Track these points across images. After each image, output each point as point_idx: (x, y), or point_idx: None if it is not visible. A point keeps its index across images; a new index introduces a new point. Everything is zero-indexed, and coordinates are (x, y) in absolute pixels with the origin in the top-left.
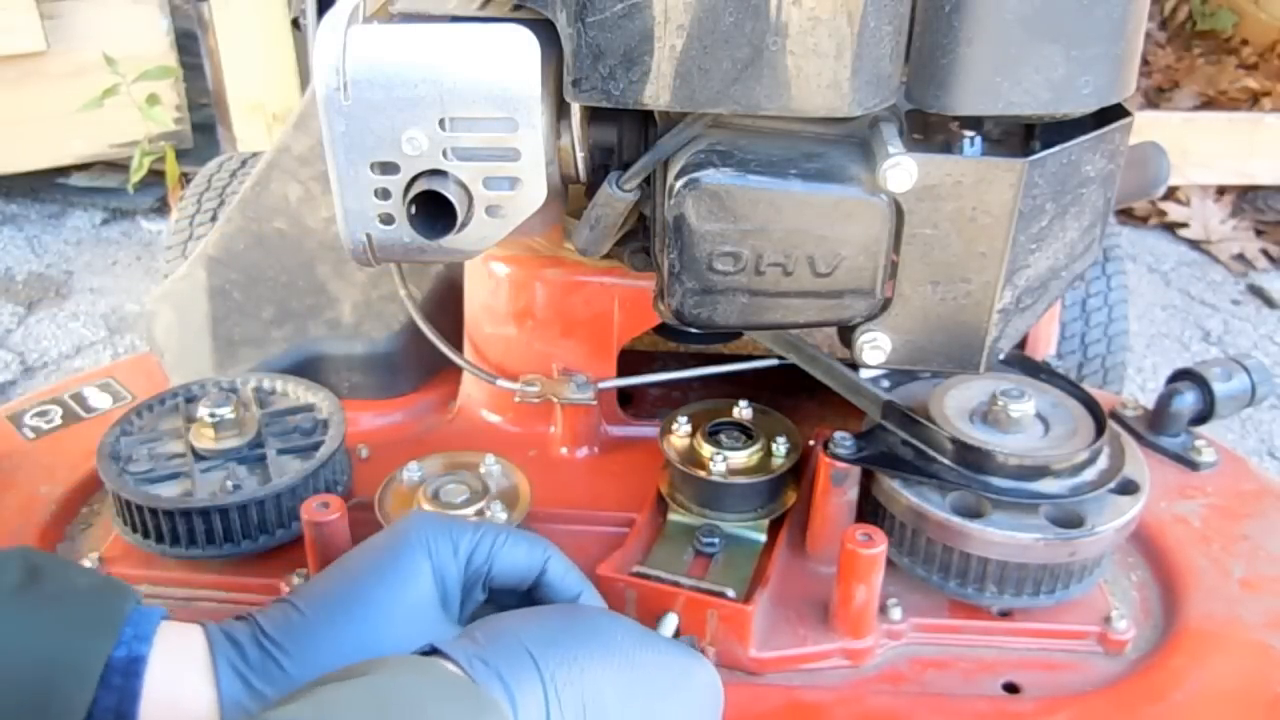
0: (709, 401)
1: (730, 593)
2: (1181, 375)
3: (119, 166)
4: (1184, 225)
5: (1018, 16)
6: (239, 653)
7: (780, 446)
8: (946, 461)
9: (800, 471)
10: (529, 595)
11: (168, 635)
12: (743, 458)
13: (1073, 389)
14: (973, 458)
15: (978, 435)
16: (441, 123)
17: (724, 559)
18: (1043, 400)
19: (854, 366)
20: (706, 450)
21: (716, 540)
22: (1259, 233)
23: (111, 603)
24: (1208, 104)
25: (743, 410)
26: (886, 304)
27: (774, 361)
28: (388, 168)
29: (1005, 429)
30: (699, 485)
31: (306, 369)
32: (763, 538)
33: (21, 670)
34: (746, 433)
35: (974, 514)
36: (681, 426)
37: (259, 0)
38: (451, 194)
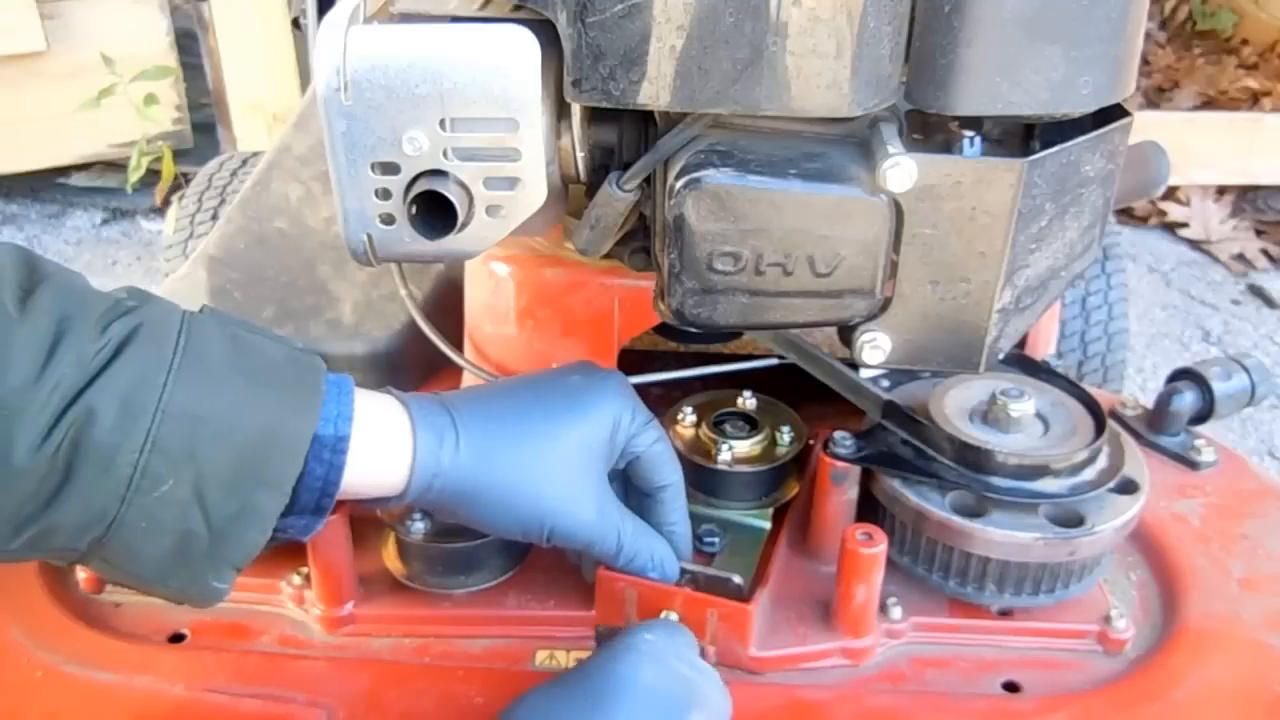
0: (714, 392)
1: (737, 579)
2: (1181, 374)
3: (119, 166)
4: (1184, 225)
5: (1017, 17)
6: (435, 434)
7: (784, 435)
8: (946, 461)
9: (803, 461)
10: (645, 497)
11: (369, 410)
12: (747, 446)
13: (1072, 388)
14: (972, 457)
15: (977, 435)
16: (442, 123)
17: (729, 547)
18: (1042, 400)
19: (854, 366)
20: (712, 439)
21: (717, 540)
22: (1259, 233)
23: (308, 380)
24: (1208, 104)
25: (747, 400)
26: (886, 304)
27: (774, 361)
28: (388, 168)
29: (1005, 428)
30: (704, 474)
31: None
32: (767, 525)
33: (245, 439)
34: (751, 422)
35: (974, 513)
36: (687, 416)
37: (259, 0)
38: (452, 194)
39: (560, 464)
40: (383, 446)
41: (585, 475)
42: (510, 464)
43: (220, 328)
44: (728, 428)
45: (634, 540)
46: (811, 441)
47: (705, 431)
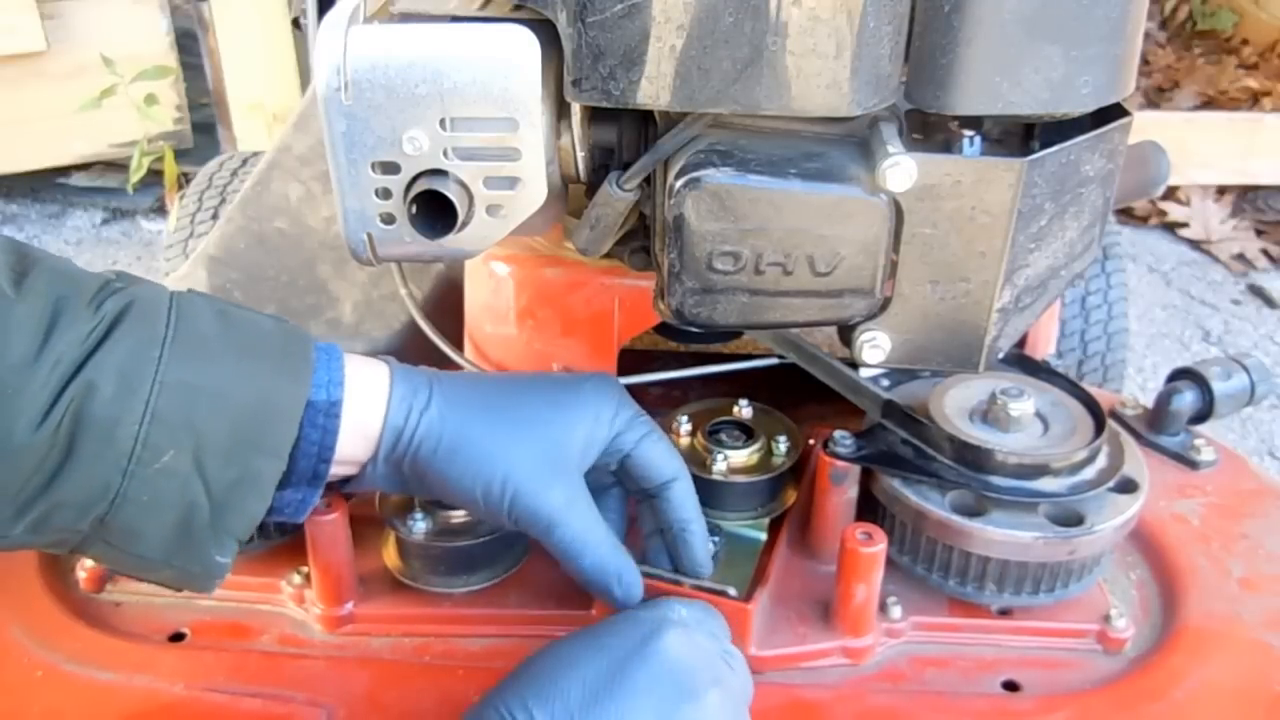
0: (710, 400)
1: (732, 591)
2: (1181, 374)
3: (119, 166)
4: (1184, 225)
5: (1017, 17)
6: (410, 388)
7: (781, 445)
8: (946, 460)
9: (800, 470)
10: (652, 499)
11: (357, 375)
12: (743, 456)
13: (1072, 388)
14: (972, 456)
15: (977, 434)
16: (442, 122)
17: (725, 558)
18: (1042, 399)
19: (854, 366)
20: (708, 449)
21: (717, 539)
22: (1259, 233)
23: (297, 348)
24: (1208, 104)
25: (743, 409)
26: (886, 303)
27: (774, 361)
28: (388, 167)
29: (1005, 428)
30: (700, 484)
31: None
32: (763, 536)
33: (241, 407)
34: (747, 431)
35: (974, 512)
36: (683, 425)
37: (259, 0)
38: (452, 193)
39: (530, 437)
40: (365, 404)
41: (556, 453)
42: (479, 424)
43: (208, 304)
44: (723, 437)
45: (600, 544)
46: (811, 442)
47: (700, 440)
